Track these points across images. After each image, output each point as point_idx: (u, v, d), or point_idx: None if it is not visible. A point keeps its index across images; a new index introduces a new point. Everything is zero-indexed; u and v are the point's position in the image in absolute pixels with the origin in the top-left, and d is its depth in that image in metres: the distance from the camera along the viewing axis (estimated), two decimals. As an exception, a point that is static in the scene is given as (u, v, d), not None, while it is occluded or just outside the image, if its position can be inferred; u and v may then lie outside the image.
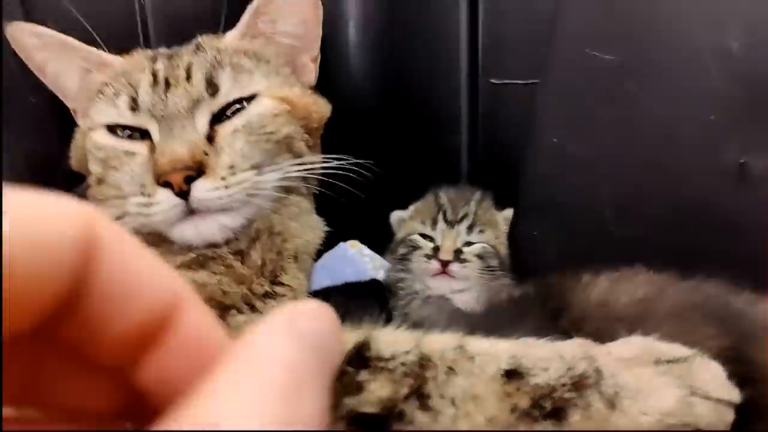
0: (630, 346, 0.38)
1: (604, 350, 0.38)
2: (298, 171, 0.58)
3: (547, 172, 0.67)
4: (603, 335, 0.39)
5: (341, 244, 0.91)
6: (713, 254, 0.57)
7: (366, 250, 0.91)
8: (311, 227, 0.65)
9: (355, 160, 0.61)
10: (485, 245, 0.71)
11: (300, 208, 0.63)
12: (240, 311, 0.48)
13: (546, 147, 0.67)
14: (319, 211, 0.68)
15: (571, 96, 0.64)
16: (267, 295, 0.53)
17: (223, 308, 0.47)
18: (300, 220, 0.62)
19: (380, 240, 0.88)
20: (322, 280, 0.86)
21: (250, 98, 0.57)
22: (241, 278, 0.51)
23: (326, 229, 0.67)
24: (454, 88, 0.77)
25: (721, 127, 0.54)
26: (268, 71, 0.59)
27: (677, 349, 0.37)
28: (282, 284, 0.55)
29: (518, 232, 0.72)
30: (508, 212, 0.74)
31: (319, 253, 0.87)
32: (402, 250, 0.74)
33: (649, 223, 0.61)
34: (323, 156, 0.64)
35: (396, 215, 0.81)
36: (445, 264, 0.68)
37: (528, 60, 0.71)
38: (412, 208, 0.79)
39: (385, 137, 0.82)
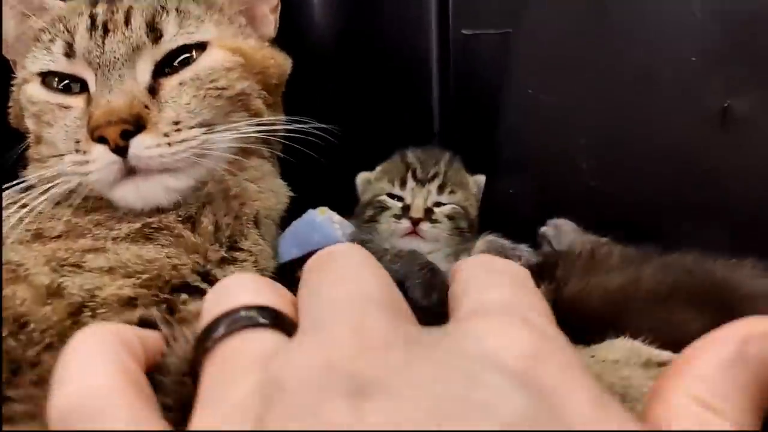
0: (615, 349, 0.35)
1: (586, 353, 0.35)
2: (256, 131, 0.54)
3: (522, 125, 0.64)
4: (582, 333, 0.36)
5: (309, 211, 0.88)
6: (694, 205, 0.54)
7: (335, 217, 0.87)
8: (273, 191, 0.61)
9: (318, 124, 0.57)
10: (456, 206, 0.68)
11: (261, 171, 0.59)
12: (192, 292, 0.44)
13: (521, 99, 0.63)
14: (286, 176, 0.65)
15: (546, 44, 0.61)
16: (224, 261, 0.49)
17: (172, 290, 0.44)
18: (261, 184, 0.58)
19: (350, 205, 0.85)
20: (290, 248, 0.83)
21: (200, 47, 0.52)
22: (194, 247, 0.48)
23: (290, 194, 0.63)
24: (423, 39, 0.73)
25: (703, 69, 0.51)
26: (220, 20, 0.55)
27: (664, 354, 0.34)
28: (242, 249, 0.52)
29: (494, 189, 0.69)
30: (480, 178, 0.71)
31: (288, 221, 0.84)
32: (369, 212, 0.71)
33: (628, 174, 0.58)
34: (285, 118, 0.60)
35: (362, 177, 0.77)
36: (416, 222, 0.65)
37: (501, 8, 0.67)
38: (378, 168, 0.75)
39: (351, 94, 0.77)
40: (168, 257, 0.46)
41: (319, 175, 0.70)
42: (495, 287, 0.26)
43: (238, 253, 0.51)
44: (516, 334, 0.22)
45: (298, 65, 0.65)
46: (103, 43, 0.49)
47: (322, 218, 0.88)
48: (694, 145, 0.53)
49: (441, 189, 0.68)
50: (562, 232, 0.60)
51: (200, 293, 0.45)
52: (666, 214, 0.56)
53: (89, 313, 0.41)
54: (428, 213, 0.66)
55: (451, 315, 0.26)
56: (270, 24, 0.60)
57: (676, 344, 0.29)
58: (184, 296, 0.44)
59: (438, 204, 0.68)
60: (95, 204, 0.50)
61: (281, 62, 0.59)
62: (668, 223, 0.56)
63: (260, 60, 0.55)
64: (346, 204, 0.83)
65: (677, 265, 0.42)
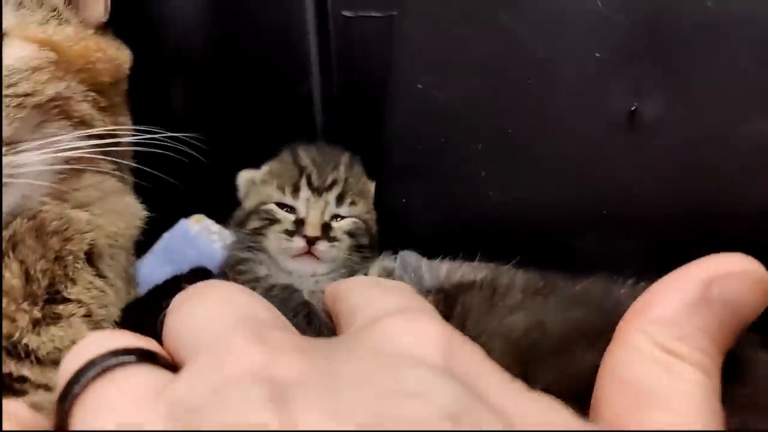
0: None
1: None
2: (85, 145, 0.42)
3: (411, 124, 0.56)
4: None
5: (182, 221, 0.76)
6: (601, 215, 0.49)
7: (214, 226, 0.76)
8: (120, 213, 0.49)
9: (171, 134, 0.46)
10: (357, 220, 0.59)
11: (99, 189, 0.48)
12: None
13: (409, 94, 0.55)
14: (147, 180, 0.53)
15: (437, 31, 0.53)
16: (40, 323, 0.38)
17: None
18: (99, 207, 0.47)
19: (230, 210, 0.74)
20: (162, 267, 0.71)
21: (-8, 41, 0.40)
22: (-8, 313, 0.36)
23: (145, 214, 0.52)
24: (299, 23, 0.63)
25: (608, 67, 0.45)
26: (21, 1, 0.42)
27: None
28: (67, 300, 0.41)
29: (384, 198, 0.61)
30: (372, 184, 0.62)
31: (157, 234, 0.72)
32: (254, 224, 0.60)
33: (528, 182, 0.52)
34: (132, 127, 0.49)
35: (244, 176, 0.65)
36: (311, 242, 0.55)
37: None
38: (265, 168, 0.64)
39: (219, 90, 0.67)
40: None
41: (189, 177, 0.59)
42: (388, 296, 0.26)
43: (61, 307, 0.40)
44: (425, 329, 0.23)
45: (152, 57, 0.53)
46: None
47: (198, 229, 0.77)
48: (600, 151, 0.47)
49: (340, 199, 0.58)
50: (407, 265, 0.53)
51: (13, 391, 0.34)
52: (572, 225, 0.50)
53: None
54: (326, 229, 0.56)
55: (345, 330, 0.26)
56: (98, 3, 0.48)
57: (581, 393, 0.27)
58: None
59: (336, 217, 0.58)
60: None
61: (114, 54, 0.47)
62: (574, 234, 0.50)
63: (81, 53, 0.43)
64: (224, 209, 0.73)
65: (583, 299, 0.36)
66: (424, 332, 0.22)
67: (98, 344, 0.24)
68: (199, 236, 0.77)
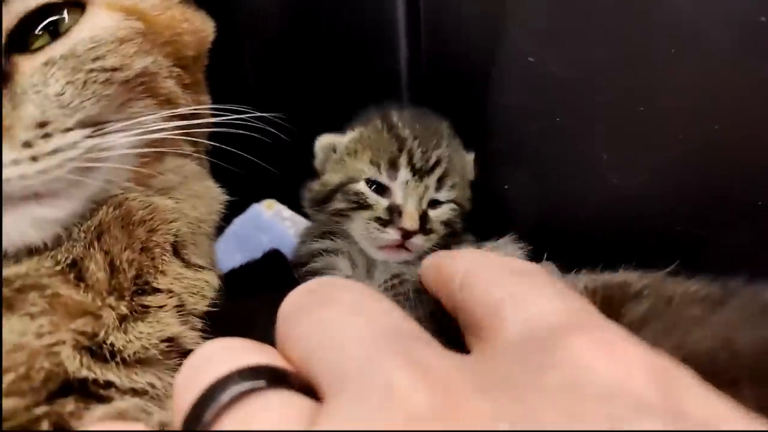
0: None
1: None
2: (169, 129, 0.38)
3: (521, 102, 0.50)
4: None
5: (254, 206, 0.72)
6: (754, 207, 0.42)
7: (286, 211, 0.72)
8: (201, 199, 0.45)
9: (258, 113, 0.42)
10: (454, 206, 0.52)
11: (180, 174, 0.43)
12: (83, 394, 0.29)
13: (519, 68, 0.49)
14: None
15: (555, -4, 0.46)
16: (128, 318, 0.34)
17: (50, 396, 0.29)
18: (181, 192, 0.43)
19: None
20: (232, 254, 0.68)
21: (76, 5, 0.35)
22: (79, 308, 0.32)
23: (225, 197, 0.48)
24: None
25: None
26: (103, -34, 0.38)
27: None
28: (158, 291, 0.37)
29: (482, 184, 0.55)
30: (470, 157, 0.56)
31: (228, 218, 0.68)
32: (339, 204, 0.52)
33: (662, 167, 0.45)
34: (213, 106, 0.44)
35: (324, 141, 0.56)
36: (408, 235, 0.49)
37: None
38: (353, 134, 0.54)
39: (301, 60, 0.62)
40: (39, 335, 0.30)
41: (261, 161, 0.55)
42: (543, 294, 0.23)
43: (150, 298, 0.36)
44: (628, 356, 0.19)
45: (228, 27, 0.48)
46: None
47: (270, 214, 0.73)
48: (758, 133, 0.40)
49: (440, 182, 0.51)
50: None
51: (94, 396, 0.30)
52: (717, 217, 0.44)
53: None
54: (423, 220, 0.49)
55: (479, 327, 0.23)
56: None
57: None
58: (70, 406, 0.29)
59: (434, 203, 0.51)
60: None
61: (199, 26, 0.42)
62: (720, 228, 0.44)
63: (168, 24, 0.39)
64: (296, 195, 0.68)
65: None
66: (630, 361, 0.19)
67: (220, 359, 0.22)
68: (272, 221, 0.73)
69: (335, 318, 0.22)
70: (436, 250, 0.50)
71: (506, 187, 0.53)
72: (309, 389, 0.21)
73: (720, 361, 0.29)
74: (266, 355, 0.22)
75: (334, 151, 0.55)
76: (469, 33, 0.54)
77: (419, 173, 0.50)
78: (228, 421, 0.20)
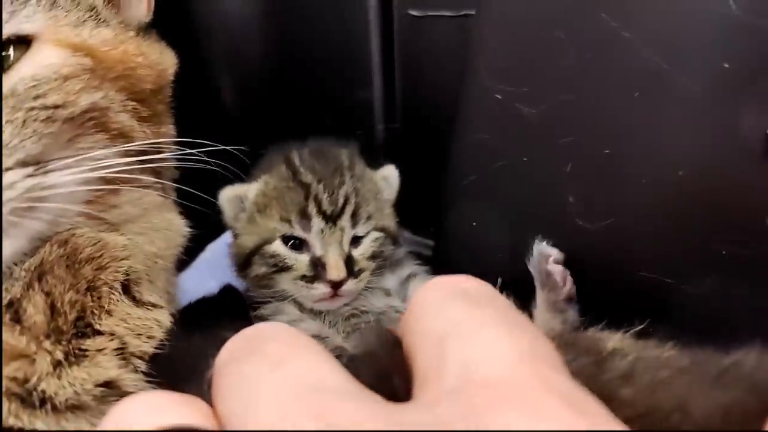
0: None
1: None
2: (122, 164, 0.37)
3: (488, 139, 0.49)
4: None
5: (226, 233, 0.71)
6: (719, 257, 0.41)
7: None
8: (159, 232, 0.44)
9: (219, 146, 0.41)
10: (377, 234, 0.51)
11: (139, 207, 0.43)
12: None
13: (486, 106, 0.48)
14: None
15: (521, 34, 0.46)
16: (61, 364, 0.33)
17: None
18: (138, 226, 0.42)
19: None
20: (206, 281, 0.67)
21: (22, 43, 0.35)
22: (12, 352, 0.31)
23: (187, 231, 0.47)
24: (361, 22, 0.57)
25: (739, 81, 0.37)
26: (55, 0, 0.37)
27: None
28: (98, 333, 0.36)
29: (450, 221, 0.54)
30: (389, 171, 0.54)
31: (199, 244, 0.68)
32: (260, 270, 0.50)
33: (628, 212, 0.44)
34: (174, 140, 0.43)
35: (228, 195, 0.53)
36: (338, 285, 0.48)
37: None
38: (258, 185, 0.51)
39: (272, 93, 0.61)
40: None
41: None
42: (484, 333, 0.20)
43: (89, 342, 0.35)
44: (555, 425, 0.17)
45: (199, 60, 0.48)
46: None
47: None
48: (724, 180, 0.39)
49: (355, 217, 0.50)
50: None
51: None
52: (682, 265, 0.43)
53: None
54: (349, 264, 0.48)
55: (422, 368, 0.21)
56: (141, 2, 0.42)
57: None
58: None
59: (356, 241, 0.50)
60: None
61: (156, 59, 0.42)
62: (685, 276, 0.43)
63: (120, 59, 0.38)
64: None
65: (734, 378, 0.29)
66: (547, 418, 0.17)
67: (140, 419, 0.21)
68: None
69: (255, 372, 0.21)
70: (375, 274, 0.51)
71: (474, 224, 0.52)
72: None
73: (674, 422, 0.28)
74: (189, 414, 0.21)
75: (243, 202, 0.53)
76: (441, 68, 0.53)
77: (331, 218, 0.49)
78: None
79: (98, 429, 0.22)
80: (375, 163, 0.55)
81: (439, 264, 0.55)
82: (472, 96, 0.49)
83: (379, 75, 0.57)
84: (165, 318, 0.40)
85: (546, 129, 0.45)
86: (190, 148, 0.45)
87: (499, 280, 0.42)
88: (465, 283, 0.23)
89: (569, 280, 0.46)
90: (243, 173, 0.51)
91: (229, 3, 0.60)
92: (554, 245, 0.48)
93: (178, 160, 0.47)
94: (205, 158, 0.44)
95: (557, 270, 0.46)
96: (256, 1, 0.60)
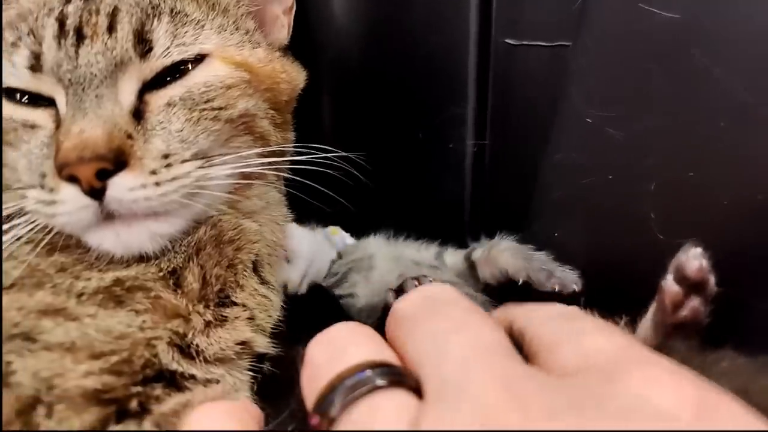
0: None
1: None
2: (261, 164, 0.44)
3: (577, 158, 0.54)
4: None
5: (322, 230, 0.78)
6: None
7: (348, 239, 0.78)
8: (278, 223, 0.51)
9: (339, 152, 0.47)
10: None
11: (265, 199, 0.49)
12: (168, 384, 0.35)
13: (577, 128, 0.53)
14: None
15: (615, 64, 0.50)
16: (210, 325, 0.40)
17: (144, 381, 0.35)
18: (263, 216, 0.49)
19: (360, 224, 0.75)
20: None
21: (196, 60, 0.42)
22: (174, 311, 0.38)
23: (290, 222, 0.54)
24: (459, 48, 0.63)
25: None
26: (224, 24, 0.44)
27: None
28: (234, 304, 0.42)
29: (534, 230, 0.59)
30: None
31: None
32: None
33: (706, 230, 0.48)
34: (299, 145, 0.50)
35: None
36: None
37: (556, 15, 0.57)
38: None
39: (373, 108, 0.67)
40: (142, 329, 0.36)
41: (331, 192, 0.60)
42: (587, 333, 0.26)
43: (228, 310, 0.42)
44: (672, 387, 0.22)
45: (314, 75, 0.55)
46: (77, 53, 0.39)
47: (334, 239, 0.79)
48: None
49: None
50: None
51: (176, 386, 0.36)
52: (756, 283, 0.46)
53: (43, 411, 0.32)
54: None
55: (541, 357, 0.26)
56: (283, 28, 0.50)
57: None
58: (158, 391, 0.35)
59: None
60: (65, 241, 0.40)
61: (294, 76, 0.49)
62: (758, 294, 0.46)
63: (269, 74, 0.45)
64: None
65: None
66: (678, 392, 0.22)
67: (352, 347, 0.26)
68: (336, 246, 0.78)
69: (443, 332, 0.26)
70: None
71: (556, 234, 0.56)
72: (417, 387, 0.25)
73: None
74: (387, 352, 0.26)
75: None
76: (532, 92, 0.58)
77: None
78: (355, 413, 0.24)
79: (314, 345, 0.27)
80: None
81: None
82: (564, 118, 0.54)
83: (473, 94, 0.63)
84: (278, 301, 0.46)
85: (632, 150, 0.50)
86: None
87: (582, 299, 0.46)
88: (558, 308, 0.29)
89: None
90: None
91: (339, 19, 0.66)
92: (633, 256, 0.51)
93: (297, 162, 0.53)
94: (321, 161, 0.50)
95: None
96: (364, 17, 0.66)
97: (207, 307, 0.40)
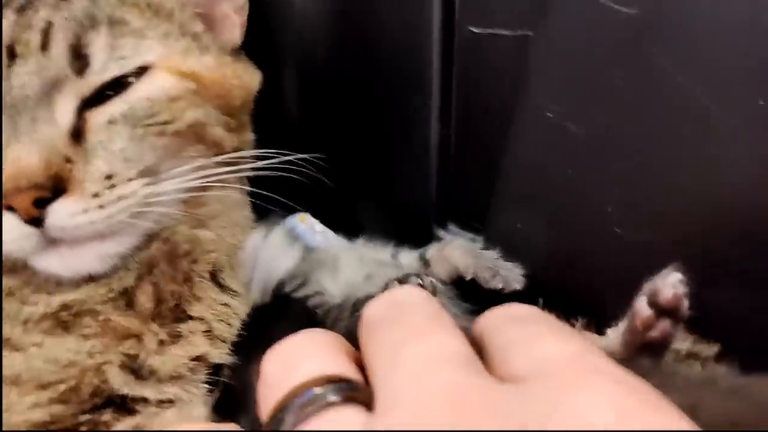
0: None
1: None
2: (216, 173, 0.43)
3: (537, 152, 0.54)
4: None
5: (290, 218, 0.78)
6: (744, 272, 0.45)
7: (318, 225, 0.77)
8: (239, 226, 0.50)
9: (296, 155, 0.47)
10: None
11: (223, 204, 0.49)
12: (120, 408, 0.35)
13: (538, 122, 0.52)
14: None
15: (575, 57, 0.49)
16: (164, 343, 0.40)
17: (93, 407, 0.35)
18: (222, 221, 0.48)
19: (330, 212, 0.75)
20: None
21: (138, 73, 0.41)
22: (125, 333, 0.38)
23: (253, 226, 0.53)
24: (423, 37, 0.61)
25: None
26: (169, 31, 0.43)
27: None
28: (190, 318, 0.42)
29: (496, 223, 0.59)
30: None
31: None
32: None
33: (661, 226, 0.48)
34: (257, 150, 0.49)
35: None
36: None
37: (519, 4, 0.55)
38: None
39: (337, 102, 0.66)
40: (91, 355, 0.36)
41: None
42: (539, 339, 0.25)
43: (184, 326, 0.42)
44: (618, 401, 0.22)
45: (275, 71, 0.53)
46: (9, 74, 0.37)
47: (303, 227, 0.79)
48: (758, 207, 0.43)
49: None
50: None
51: (126, 409, 0.36)
52: (710, 277, 0.46)
53: (-10, 448, 0.32)
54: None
55: (495, 362, 0.25)
56: (235, 28, 0.48)
57: None
58: (107, 416, 0.35)
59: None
60: (13, 263, 0.40)
61: (247, 79, 0.47)
62: (711, 287, 0.46)
63: (219, 81, 0.44)
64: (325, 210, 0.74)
65: (745, 393, 0.33)
66: (624, 407, 0.21)
67: (309, 359, 0.25)
68: (305, 235, 0.78)
69: (400, 342, 0.25)
70: None
71: (519, 225, 0.56)
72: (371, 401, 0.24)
73: None
74: (344, 364, 0.26)
75: None
76: (497, 82, 0.57)
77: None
78: (306, 427, 0.23)
79: (270, 357, 0.26)
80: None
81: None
82: (525, 112, 0.53)
83: (437, 83, 0.62)
84: (242, 309, 0.46)
85: (591, 148, 0.49)
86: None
87: (540, 300, 0.46)
88: (513, 309, 0.28)
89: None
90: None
91: (299, 12, 0.64)
92: (592, 249, 0.52)
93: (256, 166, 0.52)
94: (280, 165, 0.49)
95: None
96: (325, 9, 0.64)
97: (162, 325, 0.40)
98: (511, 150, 0.55)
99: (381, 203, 0.69)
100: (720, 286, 0.46)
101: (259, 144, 0.55)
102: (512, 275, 0.51)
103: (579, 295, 0.54)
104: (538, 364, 0.24)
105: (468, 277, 0.52)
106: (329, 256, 0.57)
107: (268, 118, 0.60)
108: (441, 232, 0.68)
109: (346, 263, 0.57)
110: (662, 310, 0.42)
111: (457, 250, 0.55)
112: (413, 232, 0.66)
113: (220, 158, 0.44)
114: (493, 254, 0.54)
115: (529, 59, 0.52)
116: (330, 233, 0.77)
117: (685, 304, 0.42)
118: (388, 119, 0.65)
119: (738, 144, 0.42)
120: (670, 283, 0.42)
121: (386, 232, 0.68)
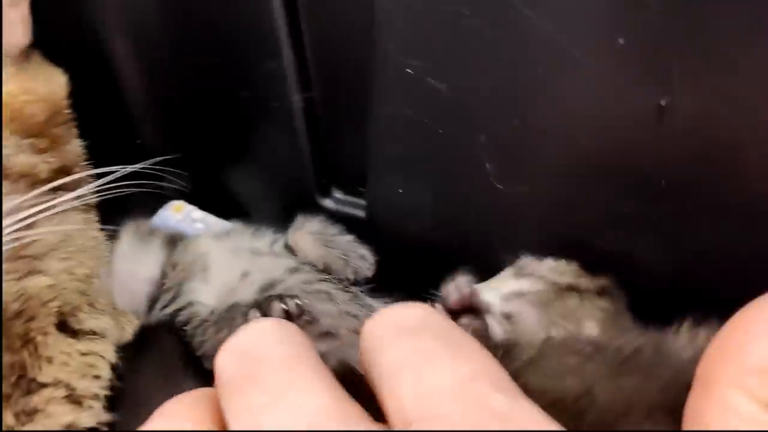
0: None
1: None
2: (35, 208, 0.36)
3: (403, 113, 0.49)
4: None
5: (161, 211, 0.71)
6: (621, 214, 0.44)
7: (196, 212, 0.71)
8: (87, 251, 0.44)
9: (132, 167, 0.40)
10: None
11: (60, 233, 0.42)
12: None
13: (399, 80, 0.48)
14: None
15: (427, 9, 0.45)
16: (18, 421, 0.34)
17: None
18: (62, 252, 0.42)
19: (210, 195, 0.69)
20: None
21: None
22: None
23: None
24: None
25: (633, 55, 0.38)
26: None
27: None
28: (43, 386, 0.37)
29: (377, 187, 0.56)
30: None
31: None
32: None
33: (538, 177, 0.46)
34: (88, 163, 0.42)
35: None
36: None
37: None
38: None
39: (187, 84, 0.59)
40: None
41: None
42: (429, 363, 0.22)
43: (36, 398, 0.36)
44: None
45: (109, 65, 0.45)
46: None
47: (179, 218, 0.72)
48: (622, 147, 0.42)
49: None
50: None
51: None
52: (590, 223, 0.46)
53: None
54: None
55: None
56: (15, 27, 0.39)
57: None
58: None
59: None
60: None
61: (44, 90, 0.39)
62: (593, 233, 0.46)
63: (6, 103, 0.36)
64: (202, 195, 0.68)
65: (634, 365, 0.33)
66: None
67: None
68: (182, 226, 0.72)
69: (255, 409, 0.22)
70: None
71: (400, 191, 0.53)
72: None
73: (582, 406, 0.31)
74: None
75: None
76: (349, 39, 0.52)
77: None
78: None
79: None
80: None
81: (370, 227, 0.57)
82: (385, 70, 0.48)
83: (287, 45, 0.55)
84: (109, 351, 0.40)
85: (457, 102, 0.46)
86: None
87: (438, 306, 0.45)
88: (402, 313, 0.25)
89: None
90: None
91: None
92: (476, 206, 0.50)
93: (96, 166, 0.45)
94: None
95: None
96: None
97: (8, 406, 0.35)
98: (379, 110, 0.51)
99: (258, 183, 0.64)
100: (604, 231, 0.46)
101: (100, 149, 0.47)
102: (363, 264, 0.50)
103: (469, 252, 0.53)
104: (425, 402, 0.21)
105: (320, 268, 0.51)
106: (197, 255, 0.51)
107: (108, 117, 0.52)
108: (325, 201, 0.64)
109: (217, 258, 0.52)
110: (456, 311, 0.45)
111: (308, 240, 0.52)
112: (298, 206, 0.62)
113: (39, 190, 0.37)
114: (345, 239, 0.52)
115: (376, 13, 0.47)
116: (211, 218, 0.71)
117: (480, 297, 0.45)
118: (245, 93, 0.58)
119: (601, 86, 0.40)
120: (455, 287, 0.46)
121: (272, 211, 0.64)
